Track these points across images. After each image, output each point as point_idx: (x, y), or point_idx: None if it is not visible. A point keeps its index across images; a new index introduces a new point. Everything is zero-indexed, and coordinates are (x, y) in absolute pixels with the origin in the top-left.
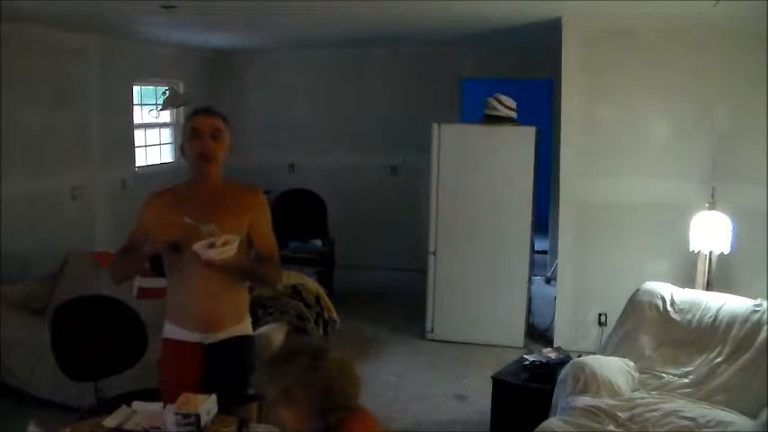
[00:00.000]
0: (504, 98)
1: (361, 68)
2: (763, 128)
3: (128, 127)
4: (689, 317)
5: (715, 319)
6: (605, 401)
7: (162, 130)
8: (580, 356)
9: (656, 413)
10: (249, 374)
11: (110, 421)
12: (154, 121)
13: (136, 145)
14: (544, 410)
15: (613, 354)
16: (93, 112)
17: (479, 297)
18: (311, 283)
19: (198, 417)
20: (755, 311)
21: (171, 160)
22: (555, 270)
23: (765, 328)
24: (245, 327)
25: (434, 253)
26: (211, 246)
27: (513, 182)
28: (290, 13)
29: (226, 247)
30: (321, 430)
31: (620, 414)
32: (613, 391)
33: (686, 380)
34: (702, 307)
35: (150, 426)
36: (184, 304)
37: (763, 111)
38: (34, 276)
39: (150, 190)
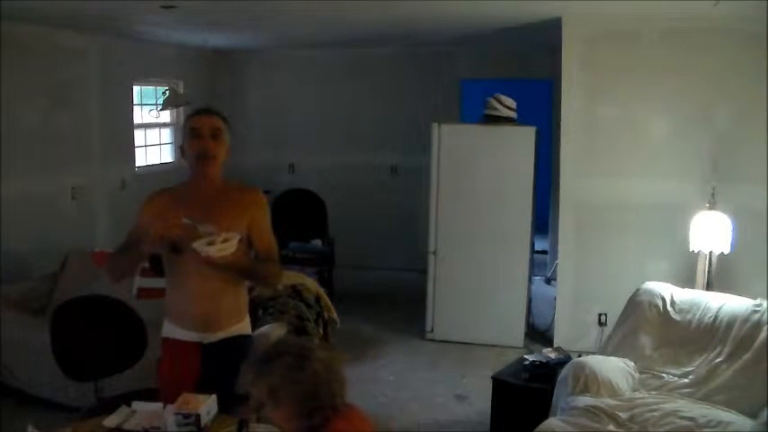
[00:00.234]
0: (504, 98)
1: (361, 68)
2: (763, 128)
3: (128, 127)
4: (689, 317)
5: (715, 319)
6: (605, 401)
7: (162, 130)
8: (580, 356)
9: (656, 413)
10: None
11: (110, 421)
12: (154, 121)
13: (136, 145)
14: (544, 410)
15: (613, 354)
16: (93, 112)
17: (479, 297)
18: (311, 283)
19: (198, 417)
20: (755, 311)
21: (171, 160)
22: (555, 270)
23: (765, 328)
24: (244, 326)
25: (434, 253)
26: (211, 243)
27: (513, 182)
28: (290, 13)
29: (226, 244)
30: (308, 429)
31: (620, 414)
32: (613, 391)
33: (686, 380)
34: (702, 307)
35: (150, 426)
36: (184, 304)
37: (763, 111)
38: (34, 276)
39: (150, 190)
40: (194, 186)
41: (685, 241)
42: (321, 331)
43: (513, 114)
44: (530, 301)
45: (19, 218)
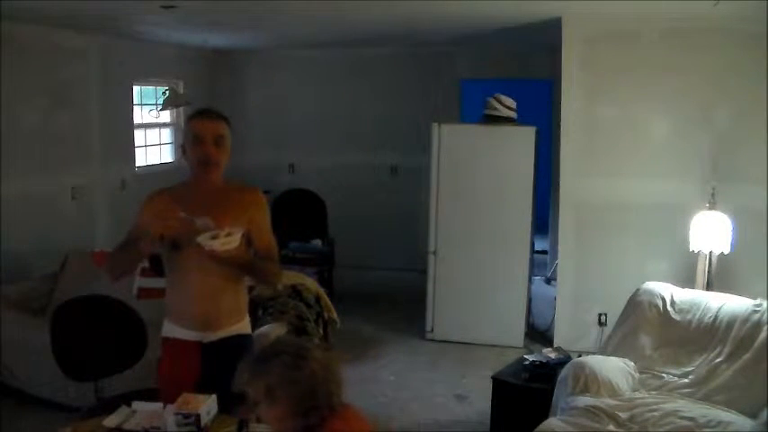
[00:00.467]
0: (504, 98)
1: (361, 68)
2: (763, 128)
3: (128, 127)
4: (689, 317)
5: (715, 319)
6: (605, 401)
7: (162, 130)
8: (580, 356)
9: (656, 413)
10: None
11: (110, 421)
12: (154, 121)
13: (136, 145)
14: (544, 410)
15: (613, 354)
16: (93, 112)
17: (479, 297)
18: (311, 283)
19: (198, 417)
20: (755, 311)
21: (171, 160)
22: (555, 270)
23: (765, 328)
24: (244, 326)
25: (434, 253)
26: (214, 237)
27: (513, 182)
28: (290, 13)
29: (229, 238)
30: (303, 429)
31: (620, 414)
32: (613, 391)
33: (686, 380)
34: (702, 307)
35: (150, 426)
36: (184, 303)
37: (763, 111)
38: (34, 276)
39: (150, 190)
40: (195, 186)
41: (685, 241)
42: (321, 331)
43: (513, 114)
44: (530, 301)
45: (19, 218)
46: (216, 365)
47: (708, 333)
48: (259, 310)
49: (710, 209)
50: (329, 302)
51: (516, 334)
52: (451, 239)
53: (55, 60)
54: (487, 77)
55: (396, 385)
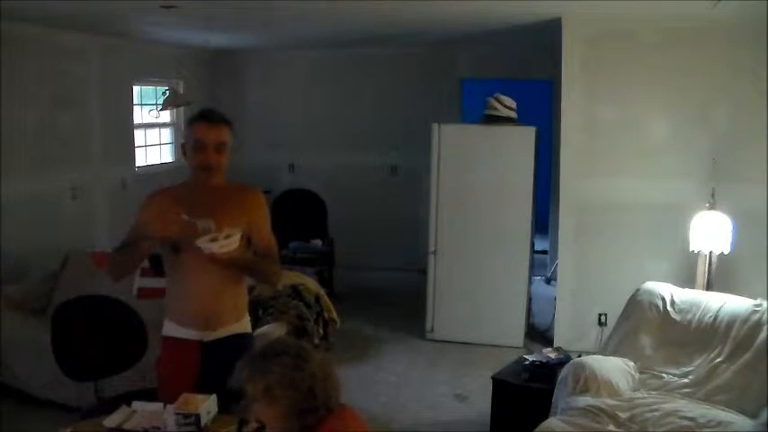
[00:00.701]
0: (504, 98)
1: (360, 68)
2: (763, 128)
3: (128, 127)
4: (689, 317)
5: (715, 319)
6: (605, 401)
7: (162, 130)
8: (580, 356)
9: (656, 413)
10: None
11: (110, 421)
12: (154, 121)
13: (136, 145)
14: (544, 410)
15: (613, 354)
16: (93, 112)
17: (479, 297)
18: (311, 283)
19: (198, 417)
20: (755, 311)
21: (171, 160)
22: (555, 270)
23: (765, 328)
24: (244, 325)
25: (434, 253)
26: (214, 240)
27: (513, 182)
28: (291, 13)
29: (228, 240)
30: (301, 429)
31: (620, 414)
32: (613, 391)
33: (686, 380)
34: (702, 307)
35: (150, 426)
36: (184, 302)
37: (763, 111)
38: (34, 276)
39: (150, 190)
40: (195, 187)
41: (685, 241)
42: (321, 331)
43: (513, 114)
44: (530, 301)
45: (19, 218)
46: (216, 364)
47: (708, 333)
48: (259, 310)
49: (710, 209)
50: (329, 302)
51: (516, 334)
52: (451, 239)
53: (55, 60)
54: (487, 77)
55: (396, 385)
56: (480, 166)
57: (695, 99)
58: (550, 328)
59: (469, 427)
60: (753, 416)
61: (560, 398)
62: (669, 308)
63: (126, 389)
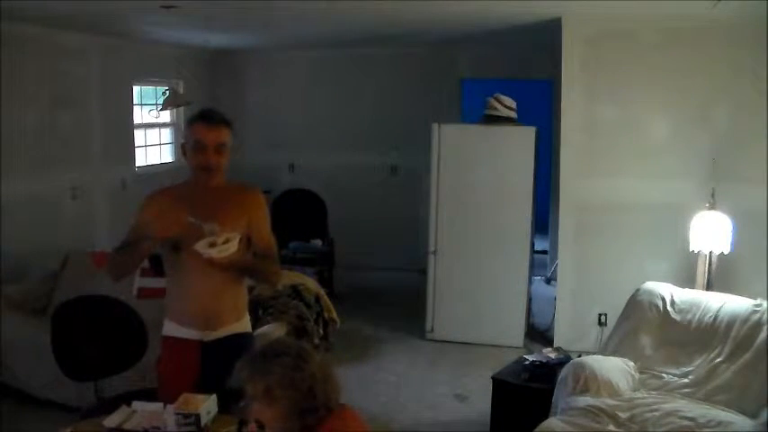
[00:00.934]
0: (504, 98)
1: (360, 68)
2: (764, 128)
3: (128, 127)
4: (689, 317)
5: (715, 319)
6: (605, 401)
7: (162, 130)
8: (580, 356)
9: (656, 413)
10: None
11: (110, 421)
12: (154, 121)
13: (136, 145)
14: (544, 410)
15: (613, 354)
16: (93, 112)
17: (479, 297)
18: (311, 283)
19: (198, 417)
20: (755, 311)
21: (171, 160)
22: (555, 270)
23: (765, 328)
24: (244, 324)
25: (434, 253)
26: (212, 244)
27: (513, 182)
28: (291, 13)
29: (227, 245)
30: (300, 429)
31: (620, 414)
32: (613, 391)
33: (686, 380)
34: (702, 307)
35: (150, 426)
36: (184, 302)
37: (763, 111)
38: (34, 276)
39: (150, 190)
40: (195, 187)
41: (685, 241)
42: (321, 331)
43: (513, 114)
44: (530, 301)
45: (19, 218)
46: (216, 364)
47: (708, 333)
48: (259, 310)
49: (710, 209)
50: (329, 302)
51: (516, 334)
52: (451, 239)
53: (55, 60)
54: (488, 77)
55: (396, 385)
56: (480, 166)
57: (695, 99)
58: (550, 328)
59: (469, 427)
60: (753, 416)
61: (560, 398)
62: (669, 308)
63: (126, 389)
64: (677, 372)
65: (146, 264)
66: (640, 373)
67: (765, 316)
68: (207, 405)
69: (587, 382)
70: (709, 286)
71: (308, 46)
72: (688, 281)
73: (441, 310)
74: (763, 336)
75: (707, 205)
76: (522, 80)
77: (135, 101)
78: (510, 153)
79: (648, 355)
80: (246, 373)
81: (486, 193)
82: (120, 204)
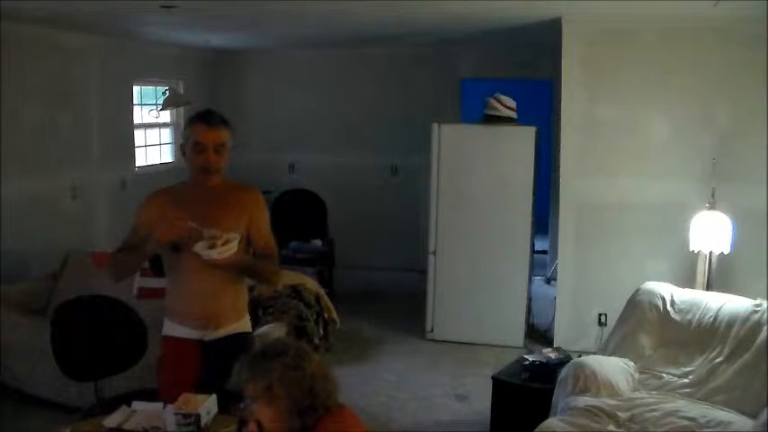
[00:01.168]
0: (504, 98)
1: (360, 68)
2: (763, 128)
3: (128, 127)
4: (689, 317)
5: (715, 319)
6: (605, 401)
7: (162, 130)
8: (580, 356)
9: (656, 413)
10: None
11: (110, 421)
12: (154, 121)
13: (136, 145)
14: (544, 410)
15: (613, 354)
16: (93, 112)
17: (479, 297)
18: (311, 283)
19: (198, 417)
20: (755, 311)
21: (171, 160)
22: (555, 270)
23: (765, 328)
24: (244, 324)
25: (434, 253)
26: (212, 246)
27: (513, 182)
28: (290, 13)
29: (227, 246)
30: (300, 429)
31: (620, 414)
32: (613, 391)
33: (686, 380)
34: (702, 307)
35: (150, 426)
36: (184, 302)
37: (763, 111)
38: (34, 276)
39: (150, 190)
40: (194, 187)
41: (685, 241)
42: (321, 331)
43: (513, 114)
44: (530, 301)
45: (19, 218)
46: (216, 364)
47: (708, 333)
48: (259, 310)
49: (710, 209)
50: (329, 302)
51: (516, 334)
52: (451, 239)
53: (55, 60)
54: (488, 77)
55: (396, 385)
56: (480, 166)
57: (695, 99)
58: (550, 328)
59: (469, 427)
60: (753, 416)
61: (560, 398)
62: (669, 308)
63: (126, 389)
64: (677, 372)
65: (146, 264)
66: (640, 373)
67: (765, 316)
68: (207, 405)
69: (587, 382)
70: (709, 286)
71: (308, 46)
72: (688, 281)
73: (441, 310)
74: (763, 336)
75: (707, 205)
76: (522, 80)
77: (135, 101)
78: (510, 153)
79: (648, 355)
80: (247, 372)
81: (486, 193)
82: (120, 204)
